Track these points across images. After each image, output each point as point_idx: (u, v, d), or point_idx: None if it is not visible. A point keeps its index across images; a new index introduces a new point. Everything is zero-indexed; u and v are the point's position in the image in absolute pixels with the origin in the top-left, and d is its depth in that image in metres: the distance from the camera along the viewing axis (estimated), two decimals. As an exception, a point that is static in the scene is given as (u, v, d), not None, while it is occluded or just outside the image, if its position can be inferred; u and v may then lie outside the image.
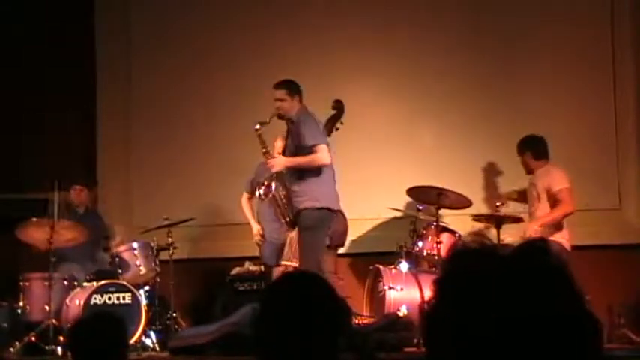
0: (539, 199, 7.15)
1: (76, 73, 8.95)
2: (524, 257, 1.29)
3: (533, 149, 7.29)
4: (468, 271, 1.30)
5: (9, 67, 9.02)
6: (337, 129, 7.09)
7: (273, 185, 6.74)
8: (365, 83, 8.33)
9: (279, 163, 6.69)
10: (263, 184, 6.83)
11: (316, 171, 6.58)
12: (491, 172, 8.14)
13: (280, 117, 6.73)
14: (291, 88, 6.73)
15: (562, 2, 8.21)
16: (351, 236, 7.86)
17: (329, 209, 6.62)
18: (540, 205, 7.13)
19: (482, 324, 1.23)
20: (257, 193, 6.98)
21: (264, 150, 6.76)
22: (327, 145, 6.67)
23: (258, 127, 6.69)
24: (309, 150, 6.54)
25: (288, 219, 6.78)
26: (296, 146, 6.65)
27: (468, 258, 1.33)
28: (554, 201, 7.07)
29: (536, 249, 1.30)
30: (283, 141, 7.07)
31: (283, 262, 6.95)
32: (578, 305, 1.28)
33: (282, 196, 6.74)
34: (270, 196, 6.78)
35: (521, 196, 7.52)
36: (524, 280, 1.26)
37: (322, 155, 6.54)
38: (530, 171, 7.34)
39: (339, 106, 7.18)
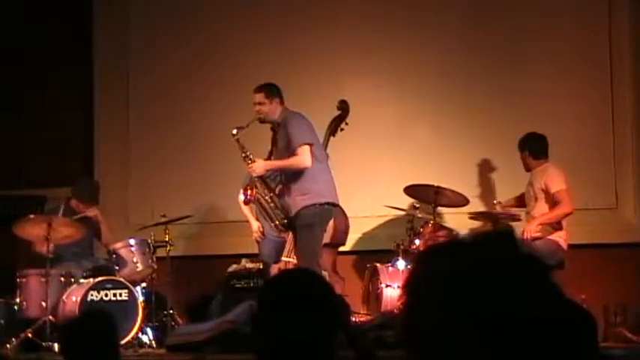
0: (537, 198, 7.14)
1: (76, 72, 8.98)
2: (493, 253, 1.26)
3: (531, 148, 7.28)
4: (438, 272, 1.26)
5: (10, 67, 9.05)
6: (342, 129, 7.17)
7: (255, 190, 6.80)
8: (363, 82, 8.33)
9: (259, 166, 6.74)
10: (245, 189, 6.88)
11: (313, 167, 6.60)
12: (489, 171, 8.14)
13: (262, 121, 6.79)
14: (269, 91, 6.77)
15: (561, 2, 8.21)
16: (348, 234, 7.86)
17: (331, 204, 6.63)
18: (537, 204, 7.13)
19: (460, 325, 1.21)
20: (240, 198, 7.03)
21: (244, 155, 6.78)
22: (314, 143, 6.68)
23: (235, 132, 6.74)
24: (293, 151, 6.56)
25: (277, 222, 6.79)
26: (285, 147, 6.67)
27: (435, 258, 1.30)
28: (552, 202, 7.07)
29: (504, 242, 1.27)
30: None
31: (283, 259, 6.98)
32: (562, 301, 1.26)
33: (268, 199, 6.77)
34: (254, 200, 6.84)
35: (520, 201, 7.49)
36: (495, 276, 1.23)
37: (303, 158, 6.57)
38: (528, 169, 7.34)
39: (343, 107, 7.25)
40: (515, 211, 7.43)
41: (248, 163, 6.78)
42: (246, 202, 7.17)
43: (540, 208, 7.11)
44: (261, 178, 6.80)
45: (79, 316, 4.97)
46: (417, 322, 1.27)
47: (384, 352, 5.80)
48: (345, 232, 7.50)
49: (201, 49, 8.82)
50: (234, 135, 6.74)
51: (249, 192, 6.89)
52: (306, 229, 6.63)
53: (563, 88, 8.07)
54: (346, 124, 7.21)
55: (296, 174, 6.65)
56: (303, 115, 6.81)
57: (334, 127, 7.20)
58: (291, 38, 8.58)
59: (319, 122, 7.05)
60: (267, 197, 6.79)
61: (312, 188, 6.62)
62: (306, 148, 6.58)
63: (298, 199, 6.65)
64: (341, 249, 7.79)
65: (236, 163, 7.84)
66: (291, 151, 6.61)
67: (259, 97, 6.74)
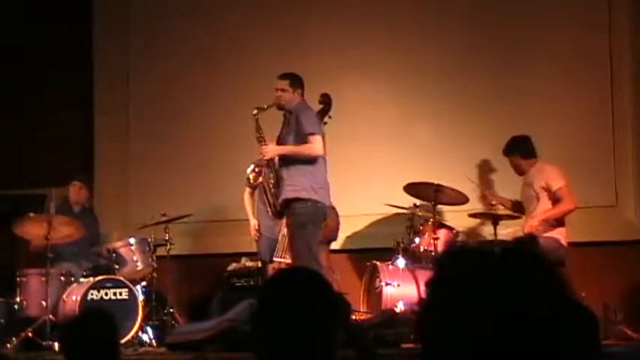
0: (538, 198, 7.14)
1: (76, 72, 8.99)
2: (515, 257, 1.28)
3: (520, 149, 7.30)
4: (462, 272, 1.29)
5: (10, 67, 9.06)
6: (325, 123, 7.08)
7: (264, 171, 6.81)
8: (363, 80, 8.34)
9: (272, 150, 6.73)
10: (254, 169, 6.88)
11: (308, 162, 6.58)
12: (489, 171, 8.14)
13: (280, 107, 6.77)
14: (294, 80, 6.77)
15: (561, 2, 8.21)
16: (348, 232, 7.87)
17: (318, 202, 6.60)
18: (540, 204, 7.12)
19: (478, 323, 1.22)
20: (247, 176, 7.05)
21: (258, 135, 6.79)
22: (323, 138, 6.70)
23: (255, 112, 6.75)
24: (305, 139, 6.56)
25: (274, 208, 6.79)
26: (294, 135, 6.66)
27: (460, 259, 1.33)
28: (554, 199, 7.08)
29: (526, 249, 1.30)
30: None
31: (275, 259, 6.96)
32: (571, 302, 1.27)
33: (271, 184, 6.77)
34: (259, 181, 6.86)
35: (516, 207, 7.47)
36: (517, 280, 1.25)
37: (316, 146, 6.55)
38: (521, 172, 7.33)
39: (325, 101, 7.17)
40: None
41: (261, 144, 6.78)
42: (252, 187, 7.17)
43: (543, 207, 7.11)
44: (270, 161, 6.79)
45: (79, 315, 4.97)
46: (421, 322, 1.29)
47: (384, 351, 5.81)
48: (336, 229, 7.48)
49: (201, 49, 8.82)
50: (254, 115, 6.75)
51: (252, 175, 6.92)
52: (297, 229, 6.59)
53: (563, 88, 8.07)
54: (329, 117, 7.15)
55: (290, 165, 6.61)
56: (315, 112, 6.83)
57: None
58: (291, 38, 8.58)
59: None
60: (271, 181, 6.78)
61: (298, 181, 6.55)
62: (319, 137, 6.59)
63: (286, 189, 6.60)
64: (341, 247, 7.80)
65: (235, 162, 7.86)
66: (300, 139, 6.59)
67: (283, 84, 6.74)
